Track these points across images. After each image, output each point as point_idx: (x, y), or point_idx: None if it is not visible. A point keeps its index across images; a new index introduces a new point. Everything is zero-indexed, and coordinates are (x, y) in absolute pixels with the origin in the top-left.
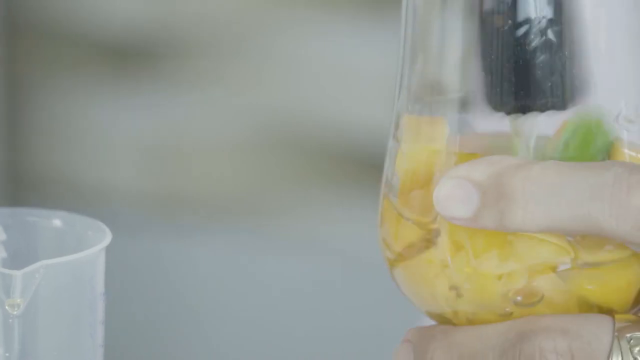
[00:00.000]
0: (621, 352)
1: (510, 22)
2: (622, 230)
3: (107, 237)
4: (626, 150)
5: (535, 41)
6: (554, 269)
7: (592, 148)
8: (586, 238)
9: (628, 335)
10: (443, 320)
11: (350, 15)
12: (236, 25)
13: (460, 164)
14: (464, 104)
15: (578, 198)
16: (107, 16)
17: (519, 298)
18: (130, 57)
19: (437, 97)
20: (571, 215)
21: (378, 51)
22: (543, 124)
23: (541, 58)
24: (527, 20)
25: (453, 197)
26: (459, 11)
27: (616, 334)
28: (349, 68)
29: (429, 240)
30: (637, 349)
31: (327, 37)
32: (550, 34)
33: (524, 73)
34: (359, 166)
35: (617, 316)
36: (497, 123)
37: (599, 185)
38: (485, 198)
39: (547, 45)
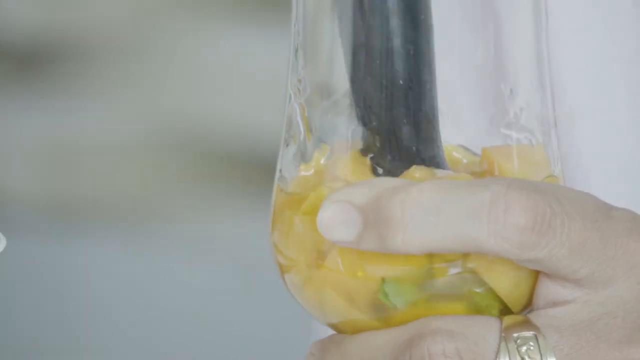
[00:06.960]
0: (508, 352)
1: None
2: (501, 249)
3: (1, 244)
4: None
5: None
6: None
7: None
8: None
9: (515, 335)
10: (336, 328)
11: (247, 20)
12: (134, 29)
13: (342, 187)
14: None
15: (456, 218)
16: (4, 18)
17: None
18: (27, 60)
19: (326, 101)
20: (451, 236)
21: (275, 55)
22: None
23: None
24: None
25: (335, 220)
26: (347, 14)
27: (503, 334)
28: (245, 72)
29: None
30: (524, 348)
31: (224, 41)
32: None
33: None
34: (255, 169)
35: (504, 317)
36: None
37: (477, 204)
38: (366, 221)
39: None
